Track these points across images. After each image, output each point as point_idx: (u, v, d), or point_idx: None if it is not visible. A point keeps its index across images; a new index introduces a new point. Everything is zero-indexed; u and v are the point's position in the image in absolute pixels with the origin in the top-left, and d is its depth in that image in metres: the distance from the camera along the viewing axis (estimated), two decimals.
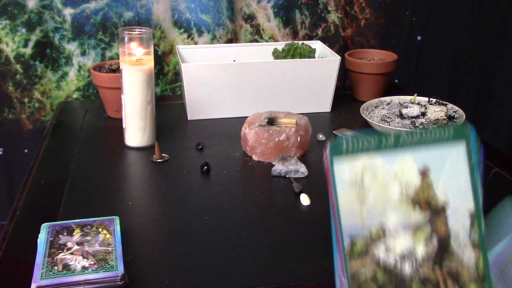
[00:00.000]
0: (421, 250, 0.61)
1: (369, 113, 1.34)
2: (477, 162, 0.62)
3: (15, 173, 1.58)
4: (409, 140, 0.60)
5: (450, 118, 1.31)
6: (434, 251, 0.61)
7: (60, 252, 0.81)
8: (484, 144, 1.25)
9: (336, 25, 1.71)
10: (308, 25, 1.69)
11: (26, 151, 1.57)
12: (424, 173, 0.61)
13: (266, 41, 1.67)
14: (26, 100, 1.53)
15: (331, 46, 1.67)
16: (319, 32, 1.71)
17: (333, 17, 1.70)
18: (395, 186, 0.60)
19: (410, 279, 0.60)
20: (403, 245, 0.60)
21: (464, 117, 1.31)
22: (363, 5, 1.71)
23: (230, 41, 1.63)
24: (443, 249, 0.61)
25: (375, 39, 1.75)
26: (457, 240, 0.62)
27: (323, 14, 1.69)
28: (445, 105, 1.34)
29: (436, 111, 1.28)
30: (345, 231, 0.58)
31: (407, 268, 0.60)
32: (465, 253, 0.62)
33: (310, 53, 1.45)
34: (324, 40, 1.67)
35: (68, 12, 1.50)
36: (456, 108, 1.36)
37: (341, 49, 1.70)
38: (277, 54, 1.48)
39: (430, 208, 0.61)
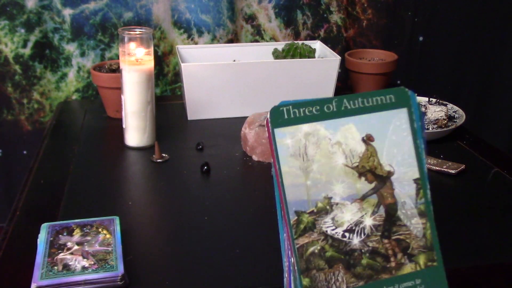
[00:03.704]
0: (368, 222, 0.59)
1: None
2: (420, 129, 0.61)
3: (14, 175, 1.57)
4: (351, 106, 0.59)
5: (450, 118, 1.31)
6: (382, 222, 0.60)
7: (60, 252, 0.81)
8: (484, 144, 1.26)
9: (338, 26, 1.71)
10: (310, 25, 1.69)
11: (25, 152, 1.57)
12: (367, 141, 0.60)
13: (267, 41, 1.67)
14: (25, 101, 1.53)
15: (333, 47, 1.66)
16: (321, 33, 1.70)
17: (335, 17, 1.70)
18: (339, 155, 0.59)
19: (359, 252, 0.59)
20: (351, 217, 0.59)
21: (464, 117, 1.31)
22: (365, 5, 1.71)
23: (230, 41, 1.63)
24: (390, 219, 0.60)
25: (377, 39, 1.75)
26: (404, 209, 0.60)
27: (325, 15, 1.69)
28: (445, 105, 1.33)
29: (436, 111, 1.28)
30: (290, 207, 0.56)
31: (355, 241, 0.59)
32: (413, 222, 0.61)
33: (310, 53, 1.45)
34: (326, 41, 1.66)
35: (67, 12, 1.49)
36: (456, 108, 1.36)
37: (343, 50, 1.70)
38: (277, 54, 1.48)
39: (376, 177, 0.60)
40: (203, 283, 0.80)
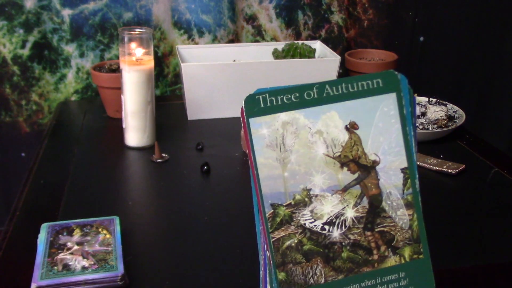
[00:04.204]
0: (350, 213, 0.56)
1: None
2: (410, 115, 0.57)
3: (12, 177, 1.56)
4: (334, 93, 0.55)
5: (450, 118, 1.31)
6: (365, 213, 0.57)
7: (60, 252, 0.80)
8: (484, 144, 1.26)
9: (340, 26, 1.71)
10: (311, 26, 1.69)
11: (23, 154, 1.56)
12: (351, 129, 0.56)
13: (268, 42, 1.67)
14: (23, 102, 1.52)
15: (334, 47, 1.66)
16: (322, 33, 1.70)
17: (336, 18, 1.70)
18: (320, 145, 0.55)
19: (339, 245, 0.56)
20: (331, 210, 0.56)
21: (464, 117, 1.31)
22: (366, 6, 1.71)
23: (231, 42, 1.63)
24: (374, 210, 0.57)
25: (378, 40, 1.75)
26: (389, 200, 0.57)
27: (326, 15, 1.69)
28: (445, 105, 1.33)
29: (436, 111, 1.28)
30: (266, 199, 0.54)
31: (335, 234, 0.56)
32: (398, 214, 0.58)
33: (310, 53, 1.44)
34: (327, 41, 1.66)
35: (66, 13, 1.49)
36: (456, 108, 1.36)
37: (344, 50, 1.70)
38: (277, 54, 1.48)
39: (359, 167, 0.56)
40: (203, 283, 0.80)
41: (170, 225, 0.95)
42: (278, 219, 0.54)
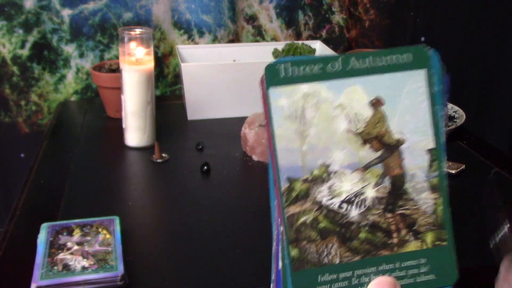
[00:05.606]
0: (370, 193, 0.54)
1: None
2: (440, 93, 0.55)
3: (12, 178, 1.56)
4: (359, 66, 0.52)
5: (450, 118, 1.31)
6: (386, 194, 0.54)
7: (60, 252, 0.80)
8: (484, 144, 1.26)
9: (341, 26, 1.71)
10: (311, 26, 1.69)
11: (22, 155, 1.55)
12: (376, 105, 0.53)
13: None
14: (22, 103, 1.52)
15: (335, 47, 1.66)
16: (323, 33, 1.70)
17: (337, 18, 1.69)
18: (342, 119, 0.53)
19: (357, 226, 0.53)
20: (350, 188, 0.53)
21: (464, 117, 1.31)
22: (367, 6, 1.71)
23: (231, 42, 1.63)
24: (396, 192, 0.54)
25: (379, 40, 1.75)
26: (413, 182, 0.54)
27: (327, 15, 1.69)
28: (445, 105, 1.33)
29: None
30: (282, 173, 0.52)
31: (353, 213, 0.53)
32: (422, 197, 0.54)
33: (310, 53, 1.44)
34: (328, 41, 1.66)
35: (66, 13, 1.49)
36: (456, 108, 1.36)
37: (345, 51, 1.70)
38: (277, 54, 1.48)
39: (382, 145, 0.54)
40: (203, 283, 0.80)
41: (170, 225, 0.95)
42: (293, 194, 0.52)
